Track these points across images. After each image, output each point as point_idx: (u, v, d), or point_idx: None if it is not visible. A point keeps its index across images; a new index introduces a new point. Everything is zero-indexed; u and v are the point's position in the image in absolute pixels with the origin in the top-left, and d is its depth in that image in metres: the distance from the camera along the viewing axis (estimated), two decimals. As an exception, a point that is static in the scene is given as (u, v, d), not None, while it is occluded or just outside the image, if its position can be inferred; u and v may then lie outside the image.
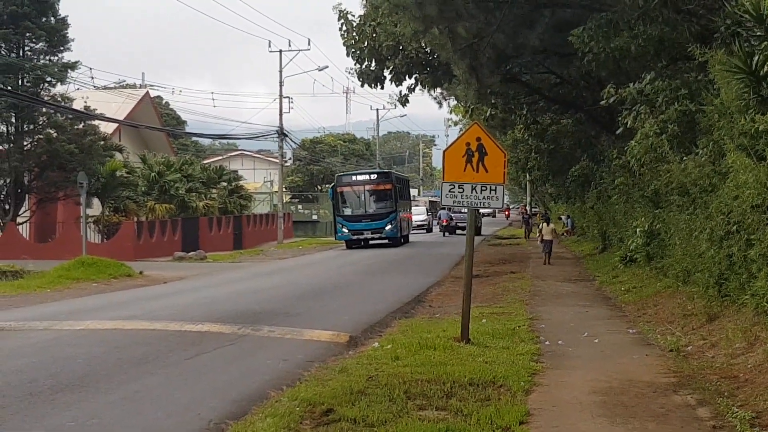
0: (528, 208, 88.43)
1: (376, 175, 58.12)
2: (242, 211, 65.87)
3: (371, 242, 55.68)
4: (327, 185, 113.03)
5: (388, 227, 54.74)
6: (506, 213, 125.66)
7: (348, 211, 55.28)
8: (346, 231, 54.99)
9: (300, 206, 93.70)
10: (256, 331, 17.49)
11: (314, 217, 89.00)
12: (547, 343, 15.56)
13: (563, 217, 62.66)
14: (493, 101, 37.03)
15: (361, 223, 54.82)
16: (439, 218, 77.94)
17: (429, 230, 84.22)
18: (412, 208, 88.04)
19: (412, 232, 71.76)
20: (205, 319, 19.18)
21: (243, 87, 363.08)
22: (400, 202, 57.15)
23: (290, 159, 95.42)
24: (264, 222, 67.56)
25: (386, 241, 55.70)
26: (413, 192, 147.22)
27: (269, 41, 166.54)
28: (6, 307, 23.90)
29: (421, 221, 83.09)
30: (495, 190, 15.72)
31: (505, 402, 10.77)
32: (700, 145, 18.06)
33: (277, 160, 76.40)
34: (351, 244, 55.42)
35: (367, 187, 55.59)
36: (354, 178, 57.24)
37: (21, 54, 48.46)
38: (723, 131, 15.84)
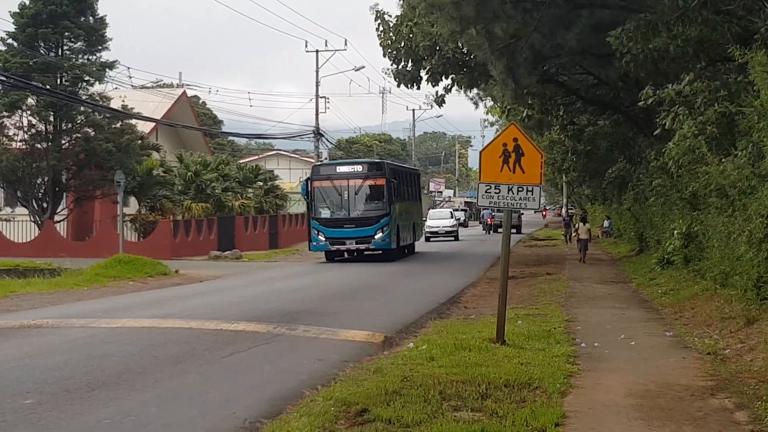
0: (565, 209, 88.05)
1: (363, 166, 44.15)
2: (278, 211, 65.86)
3: (359, 253, 43.48)
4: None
5: (378, 235, 41.99)
6: (543, 214, 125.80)
7: (326, 213, 42.48)
8: (323, 239, 42.40)
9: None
10: (291, 331, 17.51)
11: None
12: (583, 345, 15.48)
13: (606, 222, 62.16)
14: (529, 102, 36.89)
15: (342, 229, 42.15)
16: (483, 217, 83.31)
17: (457, 237, 68.83)
18: (437, 211, 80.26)
19: (437, 239, 66.72)
20: (240, 318, 19.21)
21: (279, 87, 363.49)
22: (398, 202, 44.03)
23: (326, 159, 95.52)
24: (299, 221, 67.55)
25: (379, 252, 43.43)
26: (447, 192, 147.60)
27: (306, 41, 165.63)
28: (44, 305, 24.04)
29: (449, 227, 69.35)
30: (531, 191, 15.64)
31: (541, 404, 10.71)
32: (739, 147, 17.91)
33: (313, 160, 76.39)
34: (332, 256, 43.72)
35: (352, 182, 42.62)
36: (336, 169, 44.26)
37: (60, 53, 48.77)
38: (763, 133, 15.72)
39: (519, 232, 78.40)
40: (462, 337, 15.64)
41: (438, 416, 10.14)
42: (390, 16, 36.13)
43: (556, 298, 23.75)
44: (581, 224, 41.51)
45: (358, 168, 43.67)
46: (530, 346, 14.97)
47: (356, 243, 42.44)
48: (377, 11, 36.37)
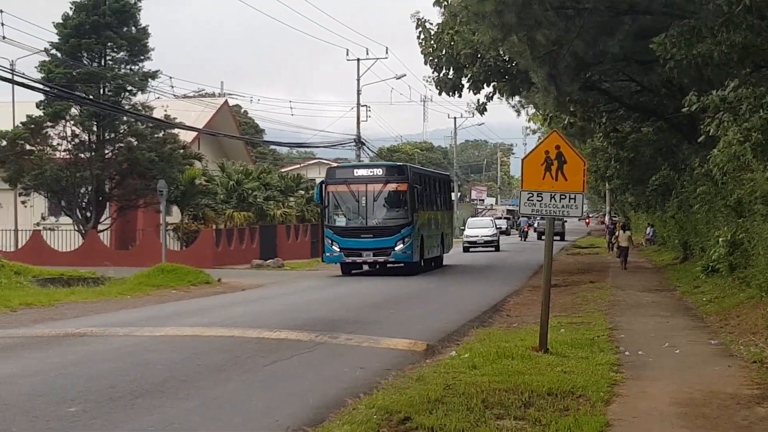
0: (608, 217, 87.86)
1: (384, 170, 40.66)
2: (320, 219, 65.91)
3: (380, 265, 40.24)
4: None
5: (399, 246, 38.37)
6: (587, 221, 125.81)
7: (341, 221, 39.43)
8: (337, 250, 39.08)
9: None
10: (333, 339, 17.52)
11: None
12: (626, 353, 15.38)
13: (649, 230, 61.98)
14: (572, 109, 36.73)
15: (359, 239, 38.81)
16: (520, 225, 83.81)
17: (497, 248, 65.14)
18: (476, 219, 76.82)
19: (476, 250, 63.48)
20: (282, 327, 19.26)
21: (320, 95, 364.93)
22: (422, 210, 41.01)
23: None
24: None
25: (401, 265, 39.39)
26: (489, 201, 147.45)
27: (347, 50, 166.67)
28: (87, 313, 24.18)
29: (489, 237, 65.55)
30: (574, 198, 15.57)
31: (584, 412, 10.65)
32: (785, 154, 17.79)
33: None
34: (348, 269, 40.37)
35: (371, 187, 39.23)
36: (353, 172, 40.83)
37: (103, 63, 49.23)
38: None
39: (563, 239, 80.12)
40: (505, 346, 15.58)
41: (481, 425, 10.10)
42: (431, 24, 36.10)
43: (599, 306, 23.64)
44: (622, 232, 41.74)
45: (378, 171, 40.44)
46: (573, 355, 14.90)
47: (374, 255, 38.86)
48: (418, 19, 36.35)
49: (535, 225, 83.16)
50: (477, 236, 65.57)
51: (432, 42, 35.47)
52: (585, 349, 15.52)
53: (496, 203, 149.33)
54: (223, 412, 11.40)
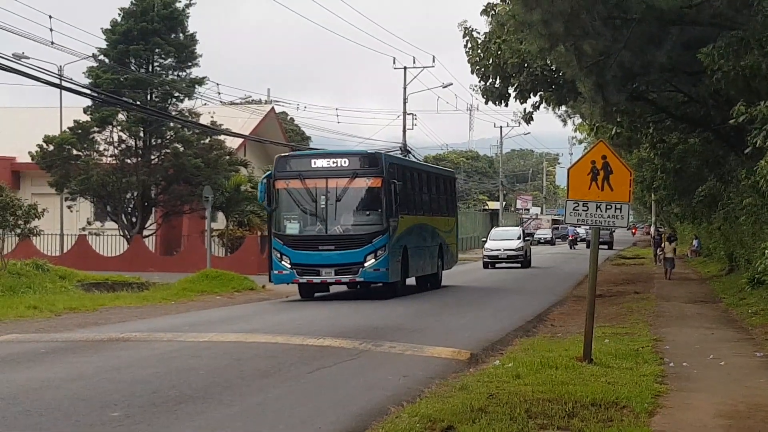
0: (654, 228, 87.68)
1: (351, 160, 30.76)
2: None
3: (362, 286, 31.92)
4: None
5: (369, 262, 29.32)
6: (633, 231, 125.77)
7: (293, 228, 30.13)
8: (288, 266, 29.61)
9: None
10: (377, 347, 17.56)
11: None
12: (671, 364, 15.35)
13: (695, 242, 62.02)
14: (618, 119, 36.59)
15: (316, 252, 29.55)
16: (567, 233, 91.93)
17: (526, 264, 53.67)
18: (500, 230, 62.91)
19: (501, 266, 52.34)
20: (326, 334, 19.37)
21: (365, 103, 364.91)
22: (404, 214, 31.50)
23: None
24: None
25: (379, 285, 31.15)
26: (535, 210, 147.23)
27: (393, 58, 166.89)
28: (131, 318, 24.38)
29: (513, 251, 53.26)
30: (620, 208, 15.60)
31: (628, 423, 10.66)
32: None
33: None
34: (308, 292, 31.08)
35: (333, 183, 29.83)
36: (310, 163, 30.80)
37: (150, 69, 49.59)
38: None
39: (611, 248, 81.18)
40: (548, 355, 15.59)
41: (524, 434, 10.14)
42: (478, 33, 36.08)
43: (644, 317, 23.58)
44: (667, 243, 41.85)
45: (343, 162, 30.46)
46: (617, 365, 14.88)
47: (336, 273, 29.48)
48: (465, 28, 36.31)
49: (580, 234, 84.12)
50: (499, 249, 53.82)
51: (479, 51, 35.45)
52: (629, 359, 15.50)
53: (542, 212, 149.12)
54: (266, 418, 11.50)
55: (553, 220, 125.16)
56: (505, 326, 22.04)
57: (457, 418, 10.80)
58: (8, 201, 33.46)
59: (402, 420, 10.87)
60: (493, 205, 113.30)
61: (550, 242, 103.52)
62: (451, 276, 39.60)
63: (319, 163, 30.49)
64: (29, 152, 48.84)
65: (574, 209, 15.77)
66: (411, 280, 33.89)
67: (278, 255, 29.97)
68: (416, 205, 34.43)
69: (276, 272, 30.17)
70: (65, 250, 51.47)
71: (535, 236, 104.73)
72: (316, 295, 31.63)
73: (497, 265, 52.77)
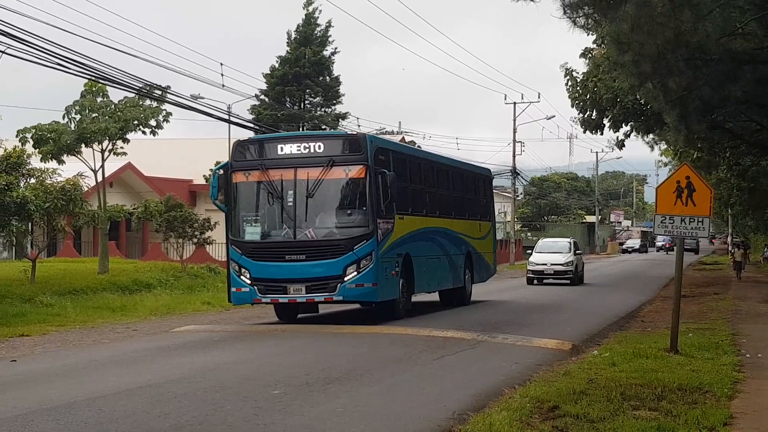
0: (730, 238, 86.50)
1: (324, 144, 20.29)
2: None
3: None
4: (553, 216, 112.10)
5: (349, 275, 19.39)
6: (713, 241, 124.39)
7: (253, 233, 20.45)
8: (247, 281, 19.94)
9: (529, 233, 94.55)
10: (492, 338, 17.47)
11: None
12: (747, 356, 14.98)
13: (766, 249, 61.23)
14: (699, 145, 36.13)
15: (282, 263, 19.71)
16: (655, 241, 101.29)
17: (576, 280, 39.54)
18: (547, 241, 46.55)
19: (548, 282, 39.69)
20: (449, 327, 19.35)
21: (480, 132, 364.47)
22: (406, 215, 21.73)
23: (521, 194, 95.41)
24: (498, 247, 67.55)
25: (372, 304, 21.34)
26: (626, 223, 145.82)
27: (505, 95, 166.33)
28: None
29: (561, 266, 39.67)
30: (702, 221, 15.42)
31: (710, 406, 10.46)
32: None
33: (510, 195, 77.36)
34: (283, 314, 21.63)
35: (303, 174, 19.79)
36: (276, 149, 20.44)
37: (302, 106, 50.53)
38: None
39: (697, 253, 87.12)
40: (640, 347, 15.34)
41: (619, 414, 10.00)
42: (577, 73, 36.19)
43: (722, 314, 23.07)
44: (737, 249, 41.51)
45: (316, 146, 20.17)
46: (700, 356, 14.58)
47: (308, 290, 19.64)
48: (566, 69, 36.51)
49: (665, 243, 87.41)
50: (545, 264, 40.37)
51: (578, 88, 35.53)
52: (710, 351, 15.18)
53: (632, 225, 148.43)
54: (399, 397, 11.55)
55: (642, 231, 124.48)
56: (602, 322, 21.90)
57: (561, 399, 10.70)
58: (187, 216, 34.40)
59: (514, 400, 10.81)
60: (590, 218, 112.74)
61: (638, 250, 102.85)
62: (486, 291, 31.26)
63: (287, 148, 20.31)
64: (203, 175, 49.79)
65: (661, 222, 15.64)
66: (434, 296, 26.33)
67: (236, 268, 20.31)
68: (427, 204, 24.01)
69: (234, 289, 20.44)
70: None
71: (625, 245, 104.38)
72: (300, 316, 22.25)
73: (544, 281, 40.21)
